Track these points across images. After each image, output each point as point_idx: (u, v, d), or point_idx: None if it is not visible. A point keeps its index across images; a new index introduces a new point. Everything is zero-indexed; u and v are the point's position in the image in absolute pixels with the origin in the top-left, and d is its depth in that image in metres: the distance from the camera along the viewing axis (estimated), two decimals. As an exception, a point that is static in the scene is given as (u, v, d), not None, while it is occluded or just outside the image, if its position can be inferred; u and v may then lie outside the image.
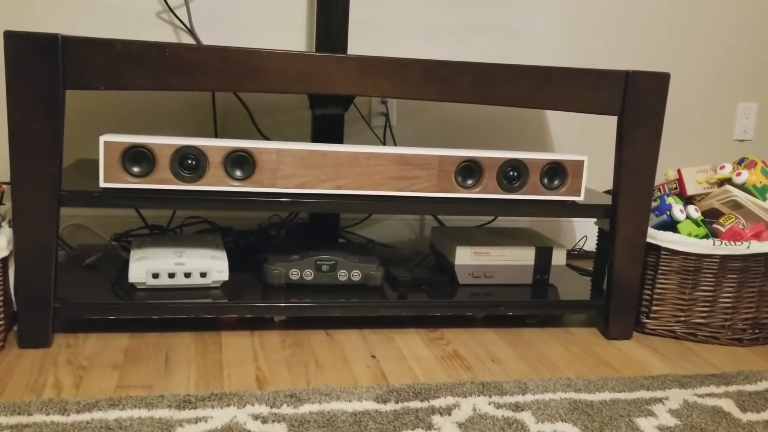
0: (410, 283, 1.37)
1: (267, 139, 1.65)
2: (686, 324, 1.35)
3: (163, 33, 1.57)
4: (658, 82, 1.26)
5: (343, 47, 1.48)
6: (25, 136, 1.09)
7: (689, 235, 1.32)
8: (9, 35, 1.06)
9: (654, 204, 1.38)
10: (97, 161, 1.47)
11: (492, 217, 1.77)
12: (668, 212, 1.35)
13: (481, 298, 1.32)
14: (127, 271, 1.31)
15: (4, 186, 1.24)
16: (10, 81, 1.07)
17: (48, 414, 0.93)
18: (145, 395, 0.99)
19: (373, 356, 1.20)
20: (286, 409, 0.98)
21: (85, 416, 0.92)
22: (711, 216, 1.40)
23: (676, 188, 1.45)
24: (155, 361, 1.13)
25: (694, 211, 1.36)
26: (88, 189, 1.15)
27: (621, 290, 1.33)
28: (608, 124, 1.88)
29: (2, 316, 1.14)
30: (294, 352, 1.19)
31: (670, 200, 1.37)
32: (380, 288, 1.34)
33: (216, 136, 1.63)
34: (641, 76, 1.25)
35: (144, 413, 0.94)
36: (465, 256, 1.37)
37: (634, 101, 1.26)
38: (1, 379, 1.04)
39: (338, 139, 1.50)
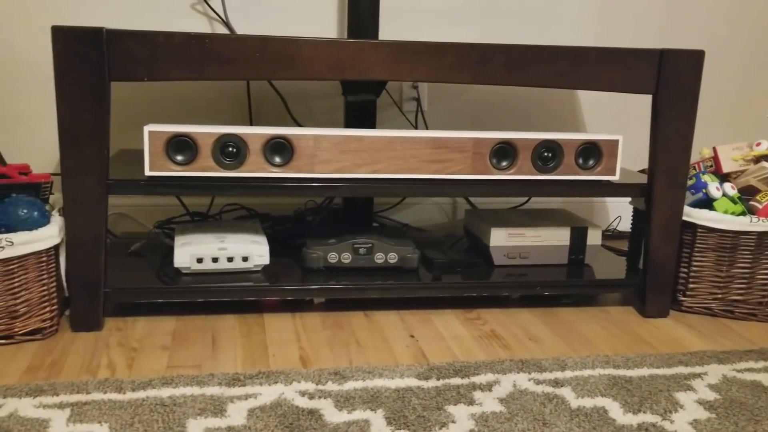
0: (446, 264, 1.39)
1: (300, 126, 1.67)
2: (723, 301, 1.35)
3: (198, 23, 1.60)
4: (693, 60, 1.26)
5: (375, 33, 1.50)
6: (73, 128, 1.13)
7: (725, 212, 1.32)
8: (56, 30, 1.10)
9: (689, 182, 1.38)
10: (138, 151, 1.51)
11: (525, 199, 1.78)
12: (704, 190, 1.35)
13: (517, 279, 1.34)
14: (171, 256, 1.35)
15: (52, 177, 1.28)
16: (58, 75, 1.11)
17: (105, 392, 0.97)
18: (196, 374, 1.03)
19: (412, 336, 1.23)
20: (331, 386, 1.01)
21: (141, 394, 0.97)
22: (747, 193, 1.40)
23: (711, 166, 1.44)
24: (202, 342, 1.17)
25: (730, 188, 1.35)
26: (134, 178, 1.19)
27: (657, 268, 1.33)
28: (640, 103, 1.87)
29: (55, 301, 1.18)
30: (335, 333, 1.23)
31: (705, 178, 1.37)
32: (416, 270, 1.37)
33: (251, 125, 1.66)
34: (675, 55, 1.25)
35: (196, 390, 0.98)
36: (500, 238, 1.39)
37: (668, 80, 1.26)
38: (57, 360, 1.09)
39: (371, 125, 1.52)
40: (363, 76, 1.18)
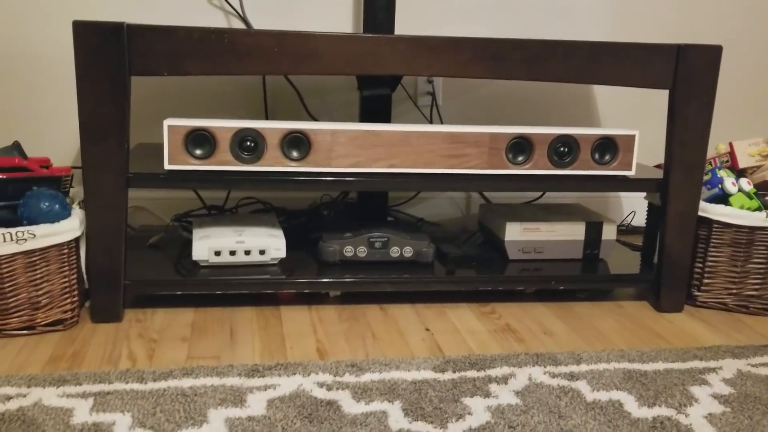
0: (460, 259, 1.40)
1: (316, 120, 1.68)
2: (738, 296, 1.35)
3: (214, 18, 1.62)
4: (710, 56, 1.26)
5: (390, 28, 1.51)
6: (94, 122, 1.14)
7: (741, 207, 1.32)
8: (78, 25, 1.11)
9: (705, 177, 1.38)
10: (156, 145, 1.53)
11: (539, 195, 1.79)
12: (720, 185, 1.35)
13: (532, 273, 1.35)
14: (190, 249, 1.37)
15: (72, 170, 1.30)
16: (79, 69, 1.12)
17: (127, 382, 0.99)
18: (215, 365, 1.05)
19: (428, 329, 1.24)
20: (349, 378, 1.02)
21: (162, 384, 0.98)
22: (763, 189, 1.40)
23: (727, 161, 1.44)
24: (221, 333, 1.18)
25: (746, 183, 1.35)
26: (154, 171, 1.20)
27: (672, 263, 1.34)
28: (654, 98, 1.87)
29: (76, 293, 1.20)
30: (351, 326, 1.24)
31: (721, 173, 1.37)
32: (431, 264, 1.38)
33: (266, 119, 1.67)
34: (693, 50, 1.25)
35: (216, 381, 0.99)
36: (515, 232, 1.39)
37: (685, 75, 1.26)
38: (79, 351, 1.11)
39: (386, 119, 1.53)
40: (380, 71, 1.19)
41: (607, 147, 1.29)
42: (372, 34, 1.19)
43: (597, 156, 1.29)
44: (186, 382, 0.99)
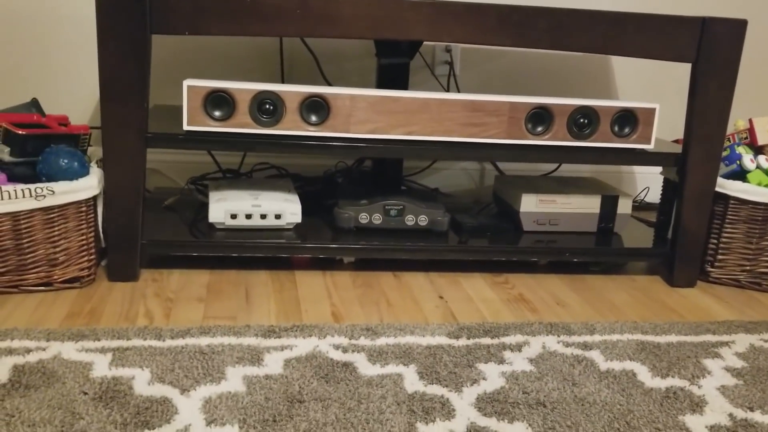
0: (475, 229, 1.40)
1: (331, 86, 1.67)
2: (751, 273, 1.35)
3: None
4: (735, 30, 1.24)
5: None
6: (114, 81, 1.14)
7: (759, 184, 1.32)
8: (99, -19, 1.10)
9: (724, 153, 1.38)
10: (173, 107, 1.52)
11: (554, 167, 1.78)
12: (738, 162, 1.34)
13: (546, 245, 1.35)
14: (205, 212, 1.37)
15: (91, 129, 1.30)
16: (100, 27, 1.12)
17: (145, 339, 1.00)
18: (232, 325, 1.06)
19: (441, 297, 1.24)
20: (364, 341, 1.03)
21: (179, 342, 0.99)
22: (782, 167, 1.39)
23: (746, 138, 1.43)
24: (236, 295, 1.19)
25: (764, 160, 1.34)
26: (173, 132, 1.20)
27: (687, 239, 1.34)
28: (672, 72, 1.85)
29: (93, 251, 1.21)
30: (365, 292, 1.24)
31: (740, 150, 1.36)
32: (446, 233, 1.38)
33: (283, 83, 1.66)
34: (717, 23, 1.23)
35: (233, 340, 1.00)
36: (530, 204, 1.39)
37: (709, 48, 1.24)
38: (96, 308, 1.12)
39: (403, 87, 1.51)
40: (402, 36, 1.18)
41: (627, 120, 1.28)
42: (394, -2, 1.17)
43: (616, 128, 1.28)
44: (203, 341, 1.00)
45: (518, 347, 1.05)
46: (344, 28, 1.16)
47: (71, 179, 1.14)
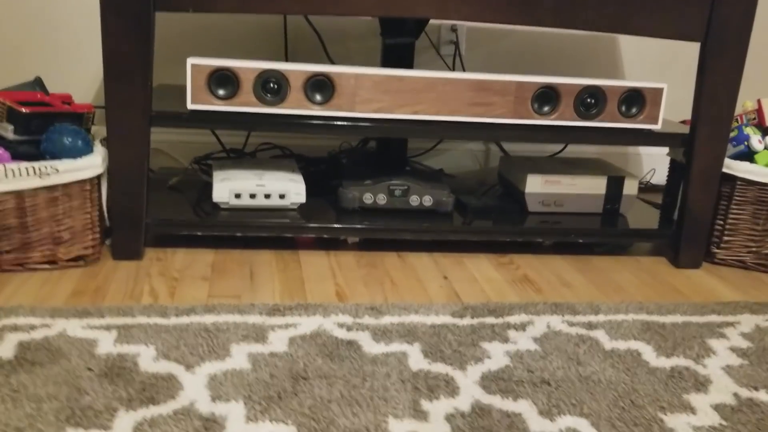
0: (480, 209, 1.40)
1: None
2: (757, 255, 1.35)
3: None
4: (745, 8, 1.23)
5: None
6: (118, 60, 1.13)
7: (766, 165, 1.31)
8: (102, -43, 1.09)
9: (731, 134, 1.36)
10: (176, 86, 1.52)
11: (560, 147, 1.77)
12: (746, 142, 1.33)
13: (551, 226, 1.34)
14: (209, 192, 1.37)
15: (95, 108, 1.29)
16: (103, 5, 1.11)
17: (150, 317, 1.00)
18: (237, 303, 1.06)
19: (445, 277, 1.24)
20: (368, 320, 1.03)
21: (184, 319, 0.99)
22: (790, 148, 1.38)
23: (754, 119, 1.42)
24: (240, 274, 1.19)
25: (772, 142, 1.33)
26: (177, 110, 1.20)
27: (693, 220, 1.33)
28: (679, 52, 1.83)
29: (98, 229, 1.21)
30: (369, 272, 1.24)
31: (748, 131, 1.35)
32: (450, 214, 1.37)
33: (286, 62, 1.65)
34: (727, 2, 1.22)
35: (238, 318, 1.00)
36: (536, 184, 1.38)
37: (718, 28, 1.23)
38: (101, 287, 1.12)
39: (408, 67, 1.50)
40: (409, 14, 1.16)
41: (635, 100, 1.27)
42: (400, -25, 1.16)
43: (624, 108, 1.27)
44: (208, 319, 1.00)
45: (523, 326, 1.04)
46: (349, 5, 1.15)
47: (75, 158, 1.14)
